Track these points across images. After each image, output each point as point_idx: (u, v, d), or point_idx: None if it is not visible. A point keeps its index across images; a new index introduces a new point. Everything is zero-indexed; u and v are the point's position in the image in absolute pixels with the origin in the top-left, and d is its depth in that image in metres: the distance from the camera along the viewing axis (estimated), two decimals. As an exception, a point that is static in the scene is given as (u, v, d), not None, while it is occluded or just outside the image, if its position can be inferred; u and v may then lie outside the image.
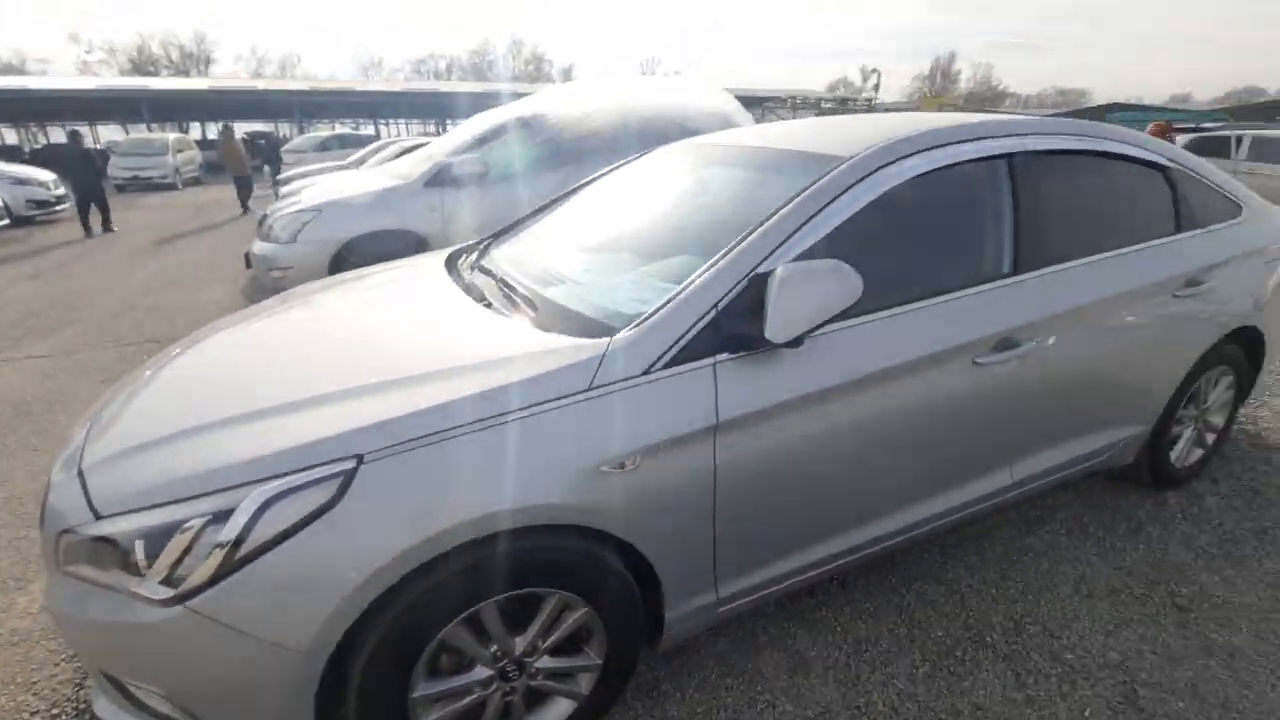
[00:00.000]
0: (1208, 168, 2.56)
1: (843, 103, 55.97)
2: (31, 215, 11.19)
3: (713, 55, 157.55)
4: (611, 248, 2.19)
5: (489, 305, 1.87)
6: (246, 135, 24.33)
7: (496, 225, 2.79)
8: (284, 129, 33.25)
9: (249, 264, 4.93)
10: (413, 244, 4.64)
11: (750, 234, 1.65)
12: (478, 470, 1.31)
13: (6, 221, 9.81)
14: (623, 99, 5.26)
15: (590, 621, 1.53)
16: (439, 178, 4.86)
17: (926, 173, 1.87)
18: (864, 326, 1.70)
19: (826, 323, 1.54)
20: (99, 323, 5.50)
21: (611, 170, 2.79)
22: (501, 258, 2.32)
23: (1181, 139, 11.48)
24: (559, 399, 1.39)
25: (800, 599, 2.16)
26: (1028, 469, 2.17)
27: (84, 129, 29.40)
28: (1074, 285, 2.05)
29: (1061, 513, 2.63)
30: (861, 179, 1.76)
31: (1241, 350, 2.65)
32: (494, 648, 1.45)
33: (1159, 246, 2.29)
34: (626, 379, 1.45)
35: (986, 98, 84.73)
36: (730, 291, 1.56)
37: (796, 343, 1.53)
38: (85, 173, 10.16)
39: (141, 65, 51.33)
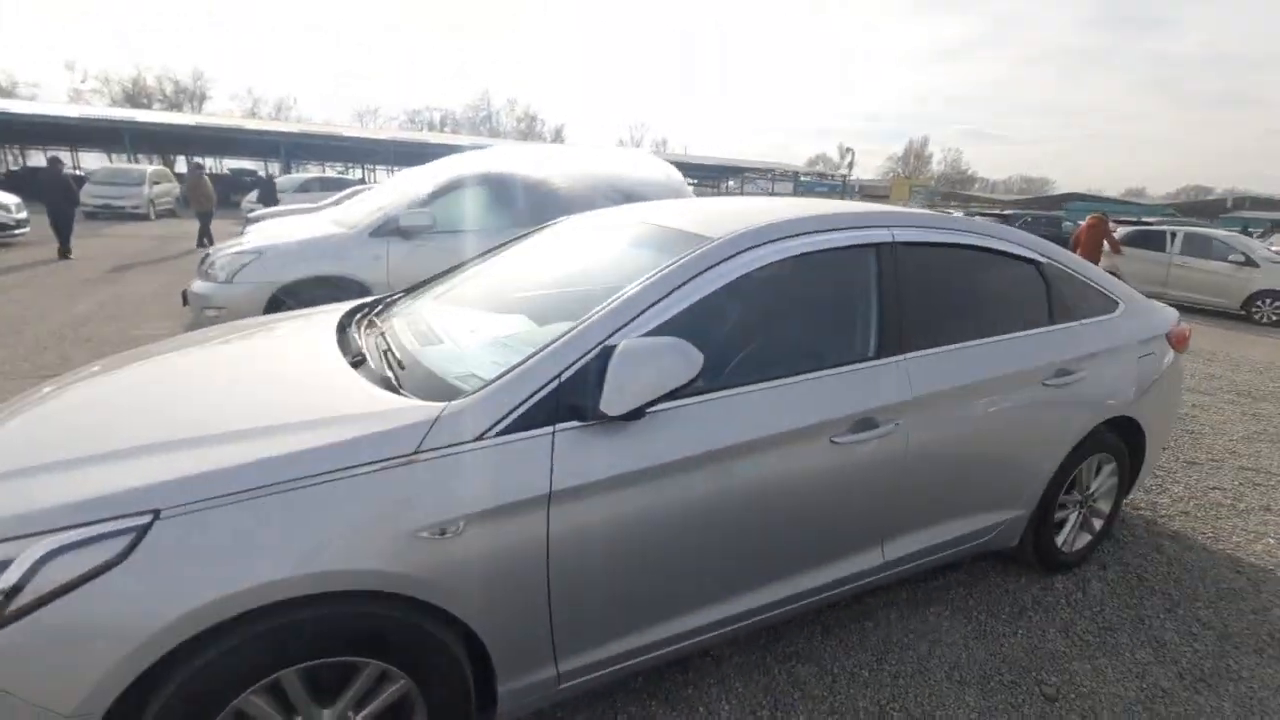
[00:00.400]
0: (1083, 265, 2.71)
1: (820, 177, 58.46)
2: (-12, 237, 11.04)
3: (698, 125, 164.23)
4: (500, 309, 2.23)
5: (360, 362, 1.88)
6: (230, 172, 24.45)
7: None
8: (273, 169, 33.47)
9: (185, 301, 4.87)
10: (355, 291, 4.65)
11: (606, 306, 1.70)
12: (277, 532, 1.28)
13: (-44, 242, 9.65)
14: (571, 163, 5.44)
15: (411, 694, 1.48)
16: (385, 227, 4.92)
17: (794, 256, 1.96)
18: (715, 403, 1.74)
19: (667, 398, 1.58)
20: (25, 352, 5.36)
21: (526, 234, 2.87)
22: (401, 313, 2.35)
23: (1122, 230, 12.14)
24: (376, 462, 1.39)
25: (670, 674, 2.12)
26: (901, 549, 2.19)
27: (66, 155, 29.46)
28: (937, 370, 2.13)
29: (951, 593, 2.64)
30: (725, 260, 1.84)
31: (1122, 440, 2.75)
32: (298, 720, 1.39)
33: (1028, 337, 2.39)
34: (457, 444, 1.46)
35: (956, 180, 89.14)
36: (576, 362, 1.59)
37: (635, 415, 1.56)
38: (62, 198, 10.45)
39: (136, 97, 51.86)
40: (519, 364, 1.59)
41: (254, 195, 16.47)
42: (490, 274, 2.59)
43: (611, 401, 1.51)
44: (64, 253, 10.43)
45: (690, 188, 6.29)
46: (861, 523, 2.06)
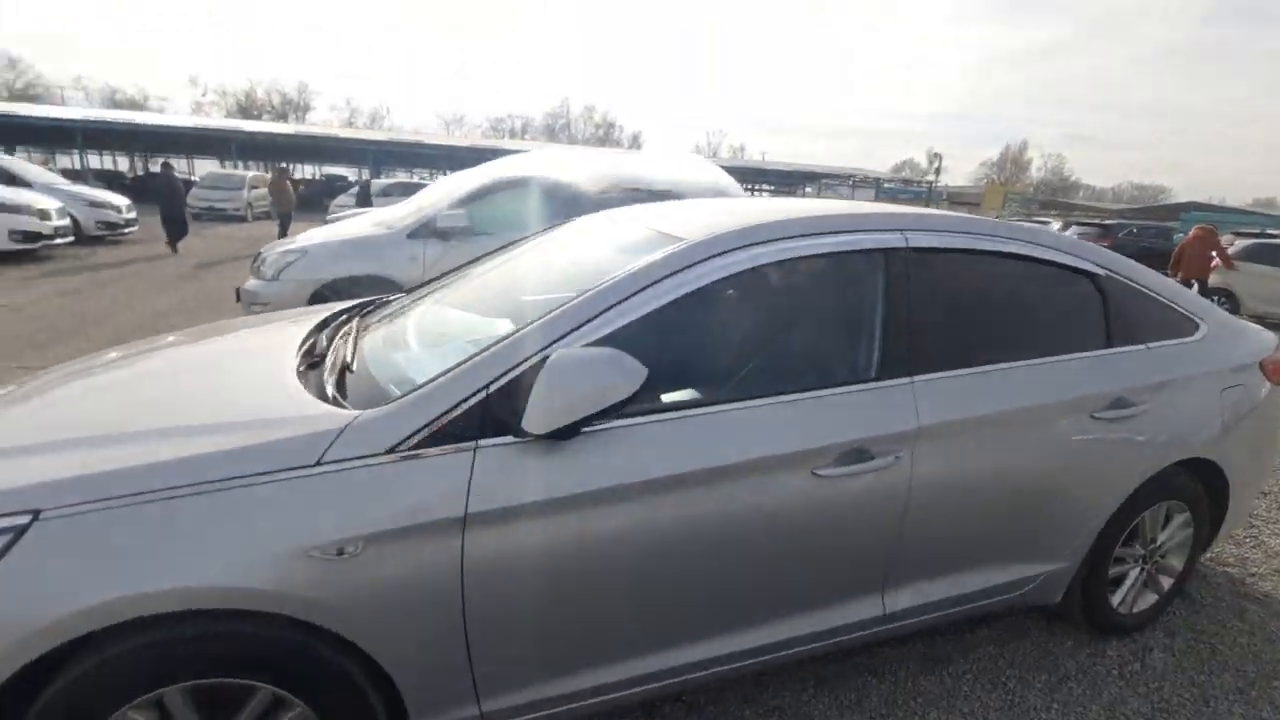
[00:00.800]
0: (1157, 279, 2.32)
1: (905, 183, 56.18)
2: (101, 235, 12.11)
3: (776, 130, 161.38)
4: (488, 313, 2.11)
5: (315, 365, 1.80)
6: (323, 177, 25.99)
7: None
8: (365, 175, 35.45)
9: (238, 298, 5.08)
10: (391, 290, 4.71)
11: (549, 313, 1.54)
12: (154, 540, 1.20)
13: (71, 239, 10.60)
14: (608, 166, 5.32)
15: (309, 724, 1.37)
16: (422, 229, 4.96)
17: (781, 262, 1.74)
18: (675, 423, 1.55)
19: (605, 416, 1.40)
20: (104, 343, 5.75)
21: (534, 235, 2.75)
22: (388, 314, 2.27)
23: (1241, 242, 10.87)
24: (271, 473, 1.28)
25: (632, 717, 1.92)
26: (906, 600, 1.91)
27: (183, 163, 32.25)
28: (954, 396, 1.84)
29: (979, 650, 2.30)
30: (693, 264, 1.64)
31: (1199, 485, 2.33)
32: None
33: (1075, 361, 2.05)
34: (365, 457, 1.34)
35: (1058, 187, 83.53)
36: (509, 373, 1.44)
37: (565, 435, 1.39)
38: (173, 200, 11.77)
39: (248, 109, 56.26)
40: (443, 373, 1.45)
41: (340, 199, 17.42)
42: (488, 276, 2.48)
43: (535, 418, 1.35)
44: (173, 247, 11.67)
45: (744, 191, 6.04)
46: (853, 568, 1.80)
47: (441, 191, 5.41)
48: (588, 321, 1.52)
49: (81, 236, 11.39)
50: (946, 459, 1.81)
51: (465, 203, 5.08)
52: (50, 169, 22.49)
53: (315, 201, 23.72)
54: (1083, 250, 2.19)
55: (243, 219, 19.47)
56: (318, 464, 1.31)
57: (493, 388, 1.43)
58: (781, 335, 1.79)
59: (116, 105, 51.89)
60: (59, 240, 10.24)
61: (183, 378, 1.79)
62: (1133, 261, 2.31)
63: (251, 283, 5.00)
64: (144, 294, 7.98)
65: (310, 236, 5.17)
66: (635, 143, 79.34)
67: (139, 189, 20.96)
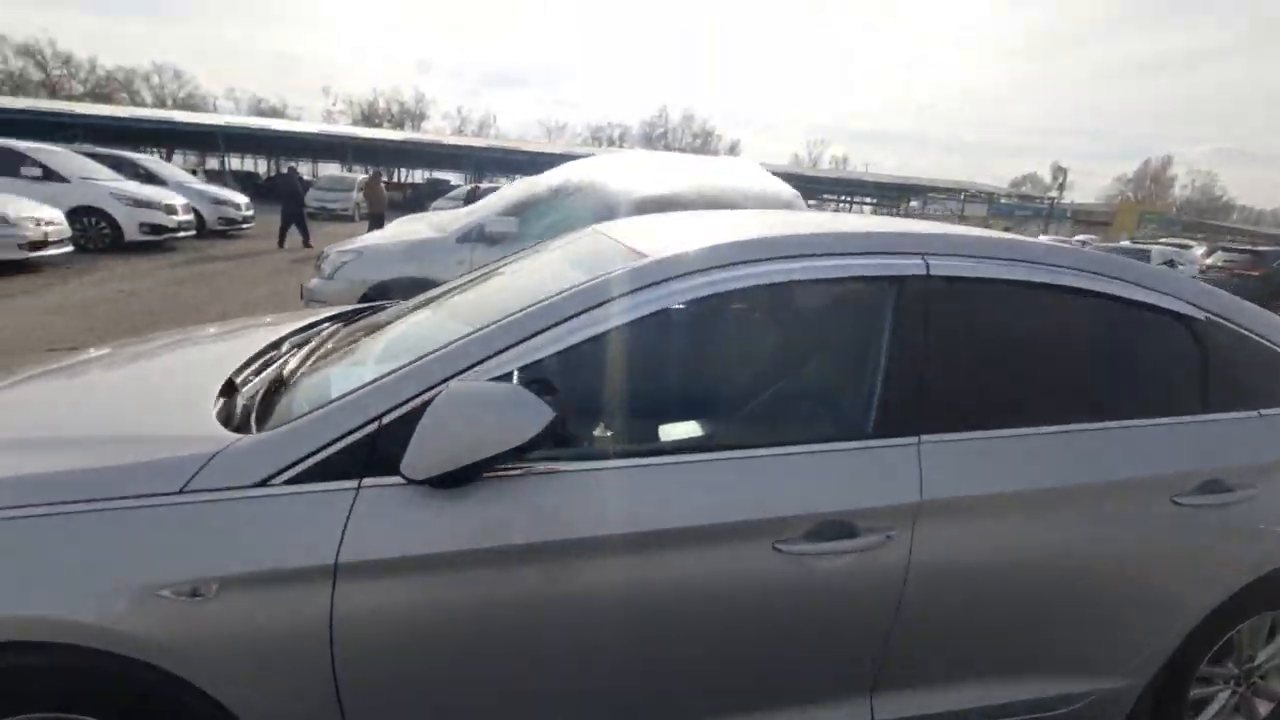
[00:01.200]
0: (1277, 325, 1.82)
1: (1024, 199, 52.35)
2: (222, 230, 13.27)
3: (884, 139, 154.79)
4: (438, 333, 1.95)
5: (249, 380, 1.70)
6: (424, 181, 27.47)
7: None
8: (465, 179, 37.22)
9: (302, 295, 5.28)
10: (439, 294, 4.73)
11: (466, 337, 1.34)
12: None
13: (193, 232, 11.64)
14: (669, 175, 5.11)
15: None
16: (472, 234, 4.95)
17: (749, 289, 1.45)
18: (601, 475, 1.31)
19: (504, 461, 1.19)
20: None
21: (540, 245, 2.59)
22: (357, 328, 2.15)
23: None
24: (127, 497, 1.16)
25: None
26: (901, 709, 1.56)
27: (307, 167, 35.14)
28: (976, 463, 1.47)
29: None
30: (638, 289, 1.39)
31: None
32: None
33: (1156, 429, 1.61)
34: (232, 489, 1.19)
35: (1205, 208, 75.14)
36: (405, 404, 1.25)
37: (451, 483, 1.18)
38: (293, 201, 12.84)
39: (370, 117, 60.61)
40: (332, 400, 1.28)
41: (440, 202, 18.27)
42: (466, 293, 2.33)
43: (414, 462, 1.16)
44: (281, 243, 12.61)
45: (805, 203, 5.65)
46: (832, 665, 1.47)
47: (498, 196, 5.40)
48: (506, 349, 1.31)
49: (204, 230, 12.50)
50: (960, 543, 1.45)
51: (516, 209, 5.03)
52: (198, 171, 25.13)
53: (420, 204, 25.06)
54: (1177, 287, 1.74)
55: (350, 218, 20.83)
56: (180, 492, 1.18)
57: (385, 420, 1.24)
58: (749, 376, 1.51)
59: (260, 114, 57.41)
60: (182, 233, 11.25)
61: (128, 385, 1.74)
62: (1249, 304, 1.82)
63: (313, 281, 5.17)
64: (242, 286, 8.57)
65: (367, 239, 5.29)
66: (732, 151, 78.68)
67: (268, 190, 23.08)
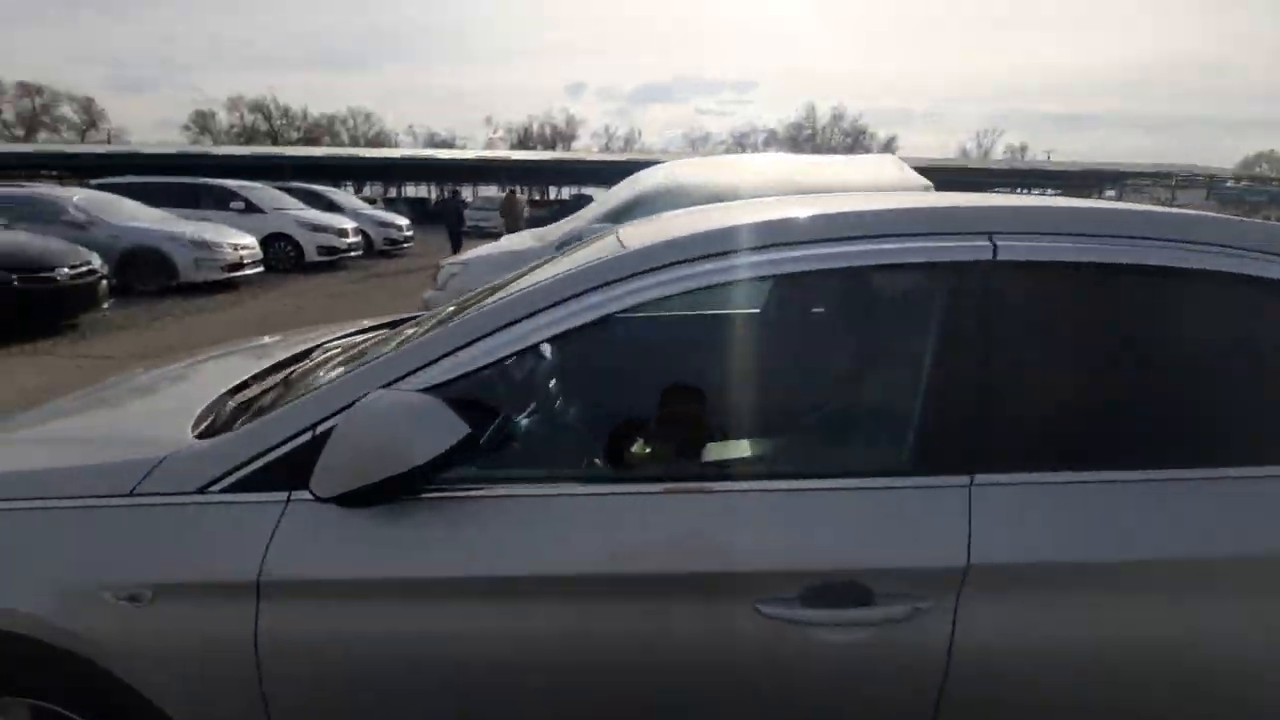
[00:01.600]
0: None
1: (1257, 182, 43.94)
2: (387, 249, 14.83)
3: (1074, 123, 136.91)
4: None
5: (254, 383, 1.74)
6: (570, 197, 28.89)
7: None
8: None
9: (425, 307, 5.65)
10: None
11: (414, 340, 1.25)
12: None
13: (359, 252, 13.11)
14: (762, 170, 4.80)
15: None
16: (569, 241, 4.98)
17: (736, 282, 1.21)
18: (556, 503, 1.14)
19: (421, 479, 1.07)
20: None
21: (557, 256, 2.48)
22: (378, 336, 2.16)
23: None
24: (84, 497, 1.19)
25: None
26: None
27: (469, 189, 38.73)
28: (1048, 518, 1.10)
29: None
30: (592, 289, 1.20)
31: None
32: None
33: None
34: (174, 494, 1.18)
35: None
36: (340, 412, 1.18)
37: (363, 502, 1.08)
38: (456, 220, 14.99)
39: (525, 141, 65.09)
40: (275, 407, 1.24)
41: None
42: (486, 297, 2.27)
43: (321, 478, 1.07)
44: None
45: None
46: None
47: (597, 203, 5.42)
48: (441, 357, 1.18)
49: (371, 250, 14.04)
50: (1029, 631, 1.07)
51: (613, 214, 5.01)
52: (377, 200, 28.46)
53: (565, 218, 26.51)
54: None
55: (499, 234, 22.37)
56: (129, 495, 1.19)
57: (318, 430, 1.17)
58: (737, 391, 1.25)
59: (433, 145, 63.98)
60: (352, 253, 12.71)
61: (166, 390, 1.84)
62: None
63: (429, 292, 5.52)
64: (390, 300, 9.44)
65: (477, 251, 5.54)
66: (888, 148, 74.07)
67: (437, 212, 25.74)
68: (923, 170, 5.44)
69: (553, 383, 1.28)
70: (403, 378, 1.17)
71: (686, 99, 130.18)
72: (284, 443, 1.18)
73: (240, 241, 9.61)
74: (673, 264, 1.20)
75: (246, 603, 1.13)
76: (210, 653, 1.15)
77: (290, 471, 1.17)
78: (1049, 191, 39.64)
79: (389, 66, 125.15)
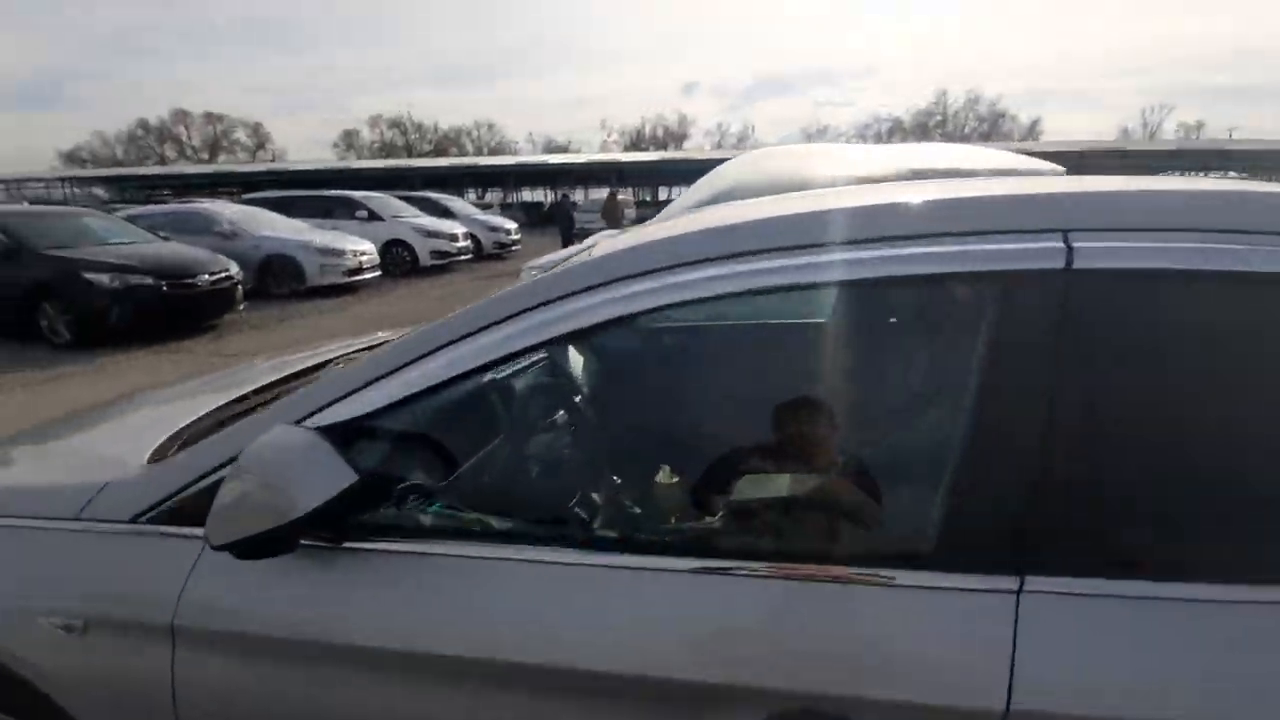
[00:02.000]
0: None
1: None
2: (496, 252, 15.46)
3: (1259, 96, 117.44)
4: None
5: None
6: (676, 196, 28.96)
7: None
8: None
9: (508, 308, 5.73)
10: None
11: (346, 368, 1.11)
12: None
13: (469, 256, 13.71)
14: (854, 161, 4.35)
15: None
16: (645, 243, 4.83)
17: (708, 300, 0.96)
18: (434, 562, 0.96)
19: (308, 530, 0.92)
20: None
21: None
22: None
23: None
24: (29, 518, 1.15)
25: None
26: None
27: (581, 192, 39.94)
28: (1112, 649, 0.76)
29: None
30: (535, 306, 1.00)
31: None
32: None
33: None
34: (109, 522, 1.12)
35: None
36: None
37: (254, 554, 0.95)
38: (568, 223, 15.52)
39: (637, 143, 65.88)
40: (217, 433, 1.15)
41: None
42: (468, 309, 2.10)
43: (213, 524, 0.95)
44: None
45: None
46: None
47: (678, 201, 5.20)
48: (367, 385, 1.03)
49: (481, 253, 14.67)
50: None
51: (697, 209, 4.78)
52: (494, 205, 29.93)
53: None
54: None
55: (606, 236, 22.85)
56: (76, 518, 1.14)
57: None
58: (702, 440, 0.99)
59: (550, 151, 66.42)
60: (462, 257, 13.33)
61: (162, 410, 1.78)
62: None
63: (513, 295, 5.58)
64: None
65: (557, 254, 5.50)
66: (1031, 133, 67.49)
67: (550, 216, 26.86)
68: (1063, 157, 4.73)
69: (511, 420, 1.10)
70: (314, 413, 1.04)
71: (805, 91, 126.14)
72: (208, 474, 1.08)
73: (359, 248, 10.32)
74: (600, 285, 0.97)
75: (164, 645, 1.04)
76: (134, 694, 1.07)
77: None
78: (1230, 175, 34.29)
79: (513, 79, 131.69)
